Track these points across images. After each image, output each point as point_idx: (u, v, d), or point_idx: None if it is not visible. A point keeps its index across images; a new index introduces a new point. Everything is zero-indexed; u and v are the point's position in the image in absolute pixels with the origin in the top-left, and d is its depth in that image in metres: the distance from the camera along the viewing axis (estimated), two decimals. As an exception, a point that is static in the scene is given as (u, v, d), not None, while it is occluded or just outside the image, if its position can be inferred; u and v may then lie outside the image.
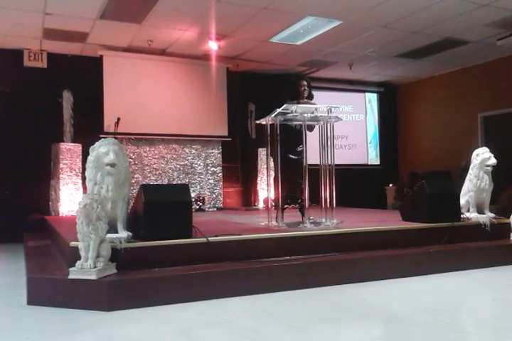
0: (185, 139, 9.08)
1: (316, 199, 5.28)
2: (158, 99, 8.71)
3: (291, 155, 5.25)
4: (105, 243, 3.60)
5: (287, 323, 3.07)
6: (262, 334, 2.86)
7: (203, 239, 4.01)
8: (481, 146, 5.78)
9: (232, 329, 2.97)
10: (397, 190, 10.17)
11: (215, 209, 9.18)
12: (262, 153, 9.15)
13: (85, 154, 4.43)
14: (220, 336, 2.86)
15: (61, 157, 7.74)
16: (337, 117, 5.14)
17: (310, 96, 5.52)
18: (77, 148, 7.86)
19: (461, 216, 5.29)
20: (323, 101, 5.79)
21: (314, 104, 5.36)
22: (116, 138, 4.77)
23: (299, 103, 5.23)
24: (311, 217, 5.05)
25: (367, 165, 11.29)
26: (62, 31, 7.33)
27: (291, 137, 5.22)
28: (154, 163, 8.90)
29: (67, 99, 8.38)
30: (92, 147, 4.01)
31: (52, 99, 8.27)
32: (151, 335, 2.91)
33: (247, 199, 9.65)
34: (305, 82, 5.50)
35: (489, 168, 5.37)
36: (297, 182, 5.16)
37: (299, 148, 5.23)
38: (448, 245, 4.83)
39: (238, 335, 2.86)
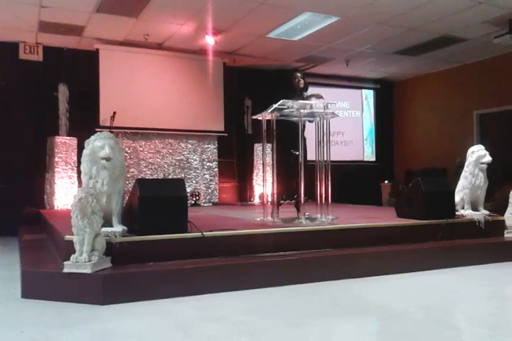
0: (181, 134, 9.07)
1: (311, 195, 5.28)
2: (154, 94, 8.68)
3: (294, 151, 5.22)
4: (100, 237, 3.60)
5: (284, 318, 3.08)
6: (260, 330, 2.86)
7: (198, 234, 4.01)
8: (477, 144, 5.80)
9: (229, 325, 2.96)
10: (392, 186, 10.21)
11: (211, 204, 9.18)
12: (258, 148, 9.14)
13: (81, 148, 4.41)
14: (217, 331, 2.85)
15: (56, 150, 7.71)
16: (333, 113, 5.14)
17: (305, 88, 5.53)
18: (73, 141, 7.84)
19: (456, 213, 5.31)
20: (319, 97, 5.79)
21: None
22: (111, 132, 4.76)
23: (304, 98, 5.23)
24: (306, 213, 5.06)
25: (363, 161, 11.31)
26: (58, 24, 7.28)
27: (291, 132, 5.19)
28: (150, 158, 8.88)
29: (63, 92, 8.33)
30: (87, 141, 4.00)
31: (48, 92, 8.22)
32: (147, 330, 2.91)
33: (243, 194, 9.67)
34: (298, 74, 5.53)
35: (484, 165, 5.38)
36: (291, 153, 5.14)
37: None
38: (442, 242, 4.84)
39: (236, 331, 2.85)
